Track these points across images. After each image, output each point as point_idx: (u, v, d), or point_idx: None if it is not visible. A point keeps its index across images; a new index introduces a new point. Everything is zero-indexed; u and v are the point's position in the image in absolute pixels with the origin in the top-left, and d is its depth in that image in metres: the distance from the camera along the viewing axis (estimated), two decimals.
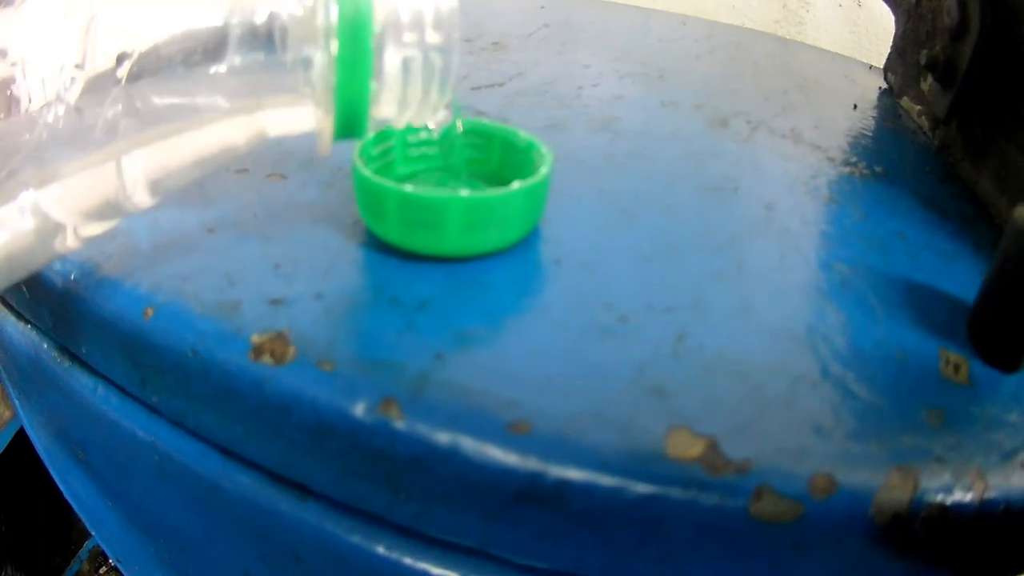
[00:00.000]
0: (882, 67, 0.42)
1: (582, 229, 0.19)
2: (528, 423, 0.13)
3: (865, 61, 0.51)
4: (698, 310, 0.16)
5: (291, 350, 0.14)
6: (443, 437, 0.13)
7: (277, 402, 0.14)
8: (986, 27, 0.27)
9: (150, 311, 0.16)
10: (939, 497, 0.14)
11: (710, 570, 0.13)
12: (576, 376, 0.14)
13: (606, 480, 0.12)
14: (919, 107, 0.35)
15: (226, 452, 0.17)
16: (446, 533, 0.14)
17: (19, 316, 0.21)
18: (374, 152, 0.20)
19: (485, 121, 0.21)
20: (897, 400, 0.15)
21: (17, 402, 0.25)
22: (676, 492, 0.12)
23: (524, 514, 0.13)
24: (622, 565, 0.14)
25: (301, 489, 0.16)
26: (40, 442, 0.24)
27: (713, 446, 0.13)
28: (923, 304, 0.18)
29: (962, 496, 0.14)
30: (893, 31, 0.42)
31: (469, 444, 0.13)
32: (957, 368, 0.17)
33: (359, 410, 0.13)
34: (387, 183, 0.17)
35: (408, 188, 0.17)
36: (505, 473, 0.13)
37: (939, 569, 0.15)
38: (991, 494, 0.14)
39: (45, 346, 0.20)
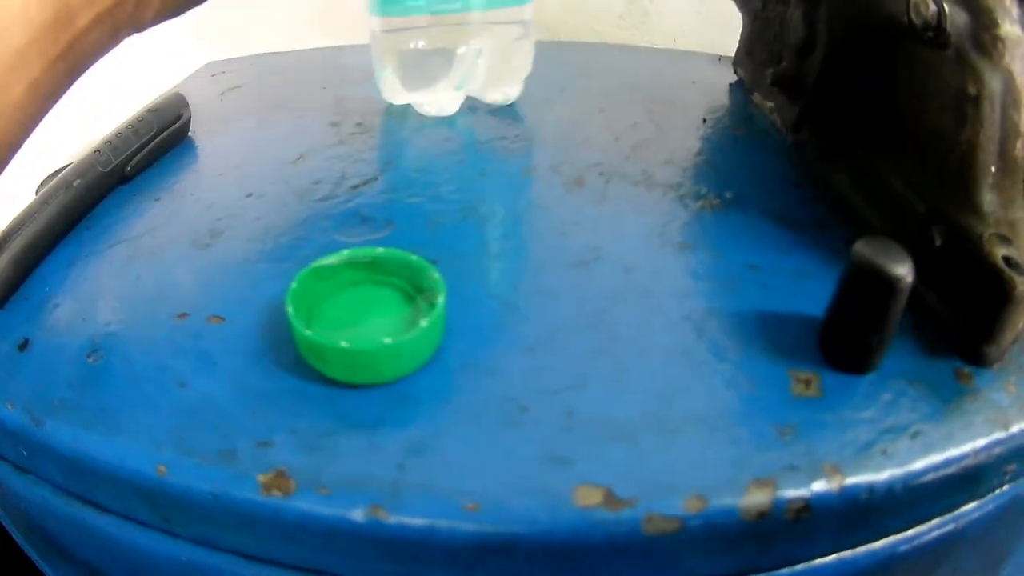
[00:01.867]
0: (731, 60, 0.55)
1: (478, 329, 0.29)
2: (477, 504, 0.23)
3: (714, 42, 0.65)
4: (581, 386, 0.26)
5: (292, 484, 0.25)
6: (419, 522, 0.24)
7: (292, 521, 0.25)
8: (832, 44, 0.39)
9: (163, 468, 0.26)
10: (798, 493, 0.24)
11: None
12: (500, 461, 0.24)
13: (539, 531, 0.23)
14: (770, 104, 0.48)
15: (248, 556, 0.27)
16: None
17: (23, 471, 0.31)
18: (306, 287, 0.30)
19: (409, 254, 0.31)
20: (752, 427, 0.25)
21: (34, 551, 0.36)
22: (591, 529, 0.23)
23: (487, 563, 0.24)
24: None
25: (318, 572, 0.26)
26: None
27: (609, 492, 0.23)
28: (773, 332, 0.29)
29: (821, 488, 0.24)
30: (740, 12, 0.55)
31: (442, 524, 0.23)
32: (808, 383, 0.28)
33: (357, 516, 0.24)
34: (324, 338, 0.27)
35: (343, 344, 0.27)
36: (468, 538, 0.23)
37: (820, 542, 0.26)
38: (850, 482, 0.25)
39: (55, 496, 0.30)
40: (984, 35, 0.29)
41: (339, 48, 0.63)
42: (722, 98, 0.51)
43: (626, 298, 0.31)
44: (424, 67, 0.46)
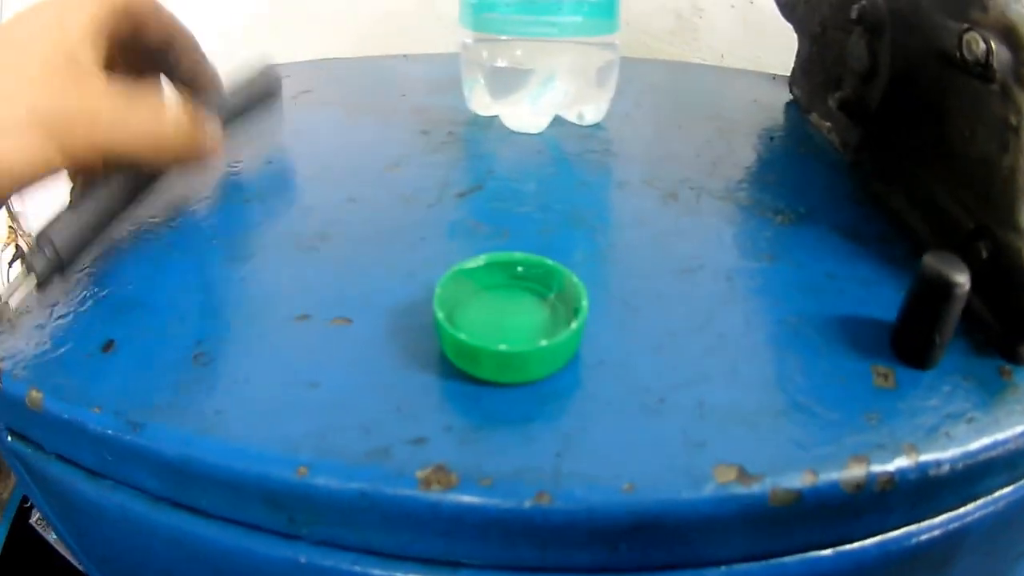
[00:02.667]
0: (787, 80, 0.59)
1: (605, 329, 0.33)
2: (633, 484, 0.26)
3: (759, 57, 0.68)
4: (705, 380, 0.30)
5: (453, 477, 0.26)
6: (582, 506, 0.26)
7: (451, 514, 0.26)
8: (895, 72, 0.43)
9: (303, 470, 0.26)
10: (886, 468, 0.28)
11: (750, 546, 0.28)
12: (647, 446, 0.28)
13: (687, 506, 0.26)
14: (828, 124, 0.52)
15: (381, 554, 0.28)
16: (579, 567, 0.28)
17: (100, 476, 0.31)
18: (448, 292, 0.32)
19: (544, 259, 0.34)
20: (846, 412, 0.29)
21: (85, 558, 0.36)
22: (728, 502, 0.26)
23: (636, 538, 0.27)
24: (699, 552, 0.28)
25: (456, 564, 0.28)
26: None
27: (741, 469, 0.27)
28: (855, 332, 0.33)
29: (902, 464, 0.28)
30: (786, 23, 0.58)
31: (602, 505, 0.26)
32: (886, 377, 0.32)
33: (524, 504, 0.26)
34: (479, 341, 0.29)
35: (501, 347, 0.29)
36: (626, 516, 0.26)
37: (895, 514, 0.30)
38: (924, 458, 0.29)
39: (142, 502, 0.30)
40: (1022, 69, 0.32)
41: (404, 57, 0.66)
42: (780, 116, 0.55)
43: (729, 303, 0.35)
44: (513, 81, 0.49)
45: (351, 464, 0.27)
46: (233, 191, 0.45)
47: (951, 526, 0.31)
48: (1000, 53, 0.33)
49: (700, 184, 0.44)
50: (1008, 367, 0.33)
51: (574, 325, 0.30)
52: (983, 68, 0.34)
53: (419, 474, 0.27)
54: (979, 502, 0.31)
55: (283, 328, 0.33)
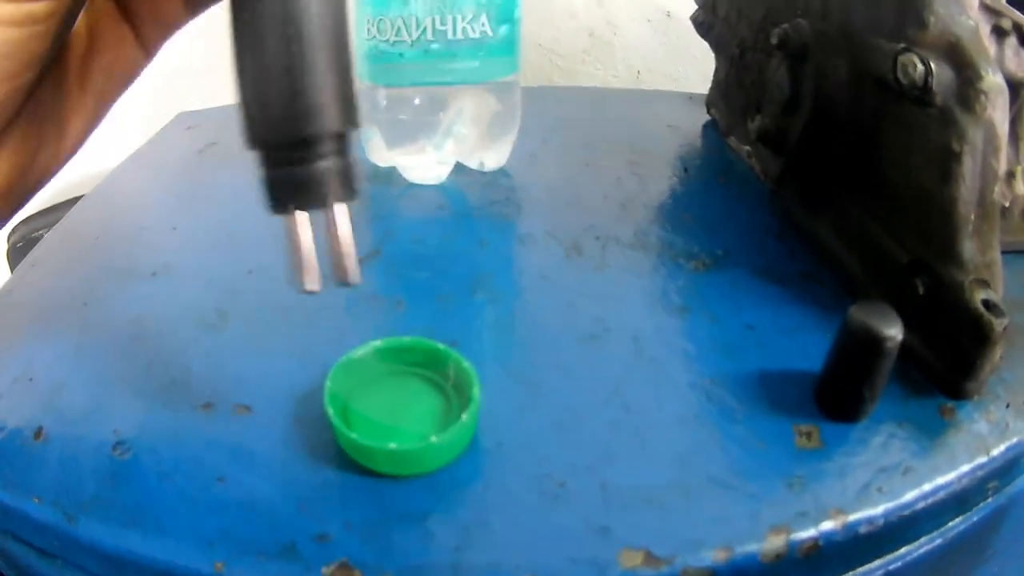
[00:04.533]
0: (704, 99, 0.62)
1: (505, 409, 0.34)
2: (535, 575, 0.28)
3: (677, 73, 0.71)
4: (608, 460, 0.32)
5: (356, 573, 0.29)
6: None
7: None
8: (819, 99, 0.45)
9: (220, 566, 0.29)
10: (808, 535, 0.30)
11: None
12: (549, 535, 0.29)
13: None
14: (748, 148, 0.55)
15: None
16: None
17: (50, 556, 0.33)
18: (339, 385, 0.34)
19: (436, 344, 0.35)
20: (765, 482, 0.31)
21: None
22: None
23: None
24: None
25: None
26: None
27: (648, 553, 0.28)
28: (775, 390, 0.35)
29: (827, 527, 0.31)
30: (690, 19, 0.61)
31: None
32: (809, 435, 0.34)
33: None
34: (370, 440, 0.31)
35: (392, 446, 0.31)
36: None
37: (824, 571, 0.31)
38: (853, 518, 0.31)
39: None
40: (968, 89, 0.34)
41: None
42: (698, 141, 0.58)
43: (636, 369, 0.37)
44: (411, 131, 0.52)
45: (263, 560, 0.30)
46: (141, 263, 0.47)
47: (892, 567, 0.33)
48: (941, 74, 0.35)
49: (607, 232, 0.47)
50: (950, 405, 0.35)
51: (465, 417, 0.32)
52: (921, 92, 0.35)
53: (325, 571, 0.29)
54: (924, 538, 0.33)
55: (190, 418, 0.36)
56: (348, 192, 0.27)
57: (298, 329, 0.41)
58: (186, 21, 0.34)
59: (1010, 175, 0.45)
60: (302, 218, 0.27)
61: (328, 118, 0.25)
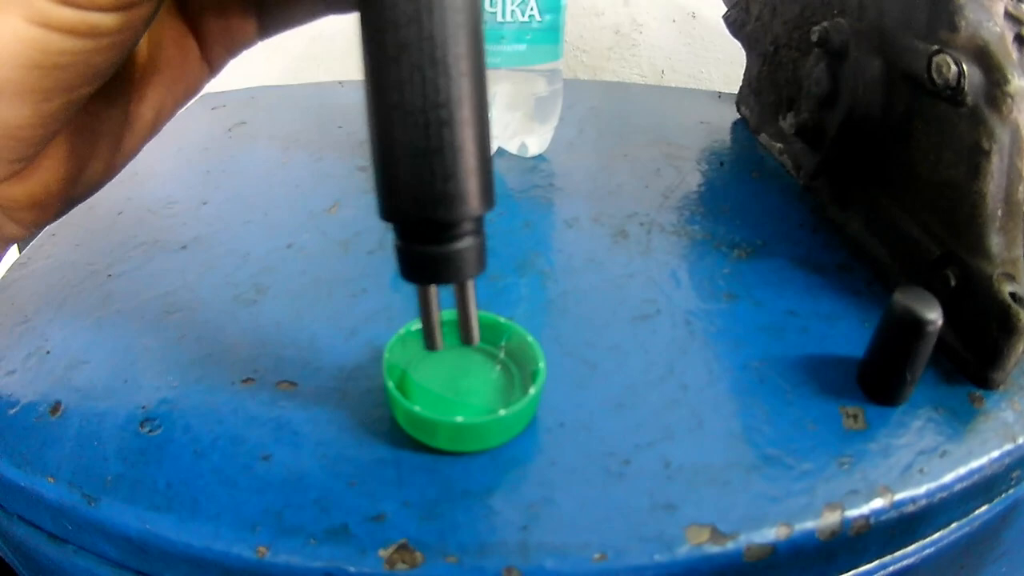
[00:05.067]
0: (734, 98, 0.61)
1: (563, 388, 0.34)
2: (604, 553, 0.27)
3: (700, 72, 0.70)
4: (669, 438, 0.32)
5: (418, 556, 0.27)
6: None
7: None
8: (856, 96, 0.45)
9: (263, 550, 0.28)
10: (860, 512, 0.30)
11: None
12: (615, 512, 0.29)
13: (660, 571, 0.27)
14: (779, 145, 0.54)
15: None
16: None
17: (62, 541, 0.31)
18: (396, 357, 0.33)
19: (496, 316, 0.35)
20: (818, 460, 0.31)
21: None
22: (703, 563, 0.28)
23: None
24: None
25: None
26: None
27: (714, 529, 0.28)
28: (820, 372, 0.35)
29: (877, 506, 0.30)
30: (729, 38, 0.61)
31: (569, 573, 0.27)
32: (855, 417, 0.33)
33: None
34: (434, 414, 0.30)
35: (458, 419, 0.30)
36: None
37: (870, 551, 0.31)
38: (899, 497, 0.31)
39: (106, 569, 0.31)
40: (996, 91, 0.34)
41: (340, 84, 0.67)
42: (728, 138, 0.57)
43: (689, 350, 0.36)
44: None
45: (311, 543, 0.28)
46: (170, 236, 0.45)
47: (926, 551, 0.32)
48: (972, 75, 0.35)
49: (651, 219, 0.46)
50: (978, 393, 0.35)
51: (532, 391, 0.31)
52: (953, 91, 0.35)
53: (382, 553, 0.27)
54: (953, 526, 0.33)
55: (229, 393, 0.34)
56: (480, 268, 0.26)
57: (343, 305, 0.40)
58: (256, 42, 0.32)
59: None
60: (434, 289, 0.27)
61: (471, 203, 0.24)
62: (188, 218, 0.47)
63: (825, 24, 0.46)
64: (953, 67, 0.35)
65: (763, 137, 0.57)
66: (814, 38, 0.46)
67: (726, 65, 0.63)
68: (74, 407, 0.33)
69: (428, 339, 0.28)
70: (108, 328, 0.38)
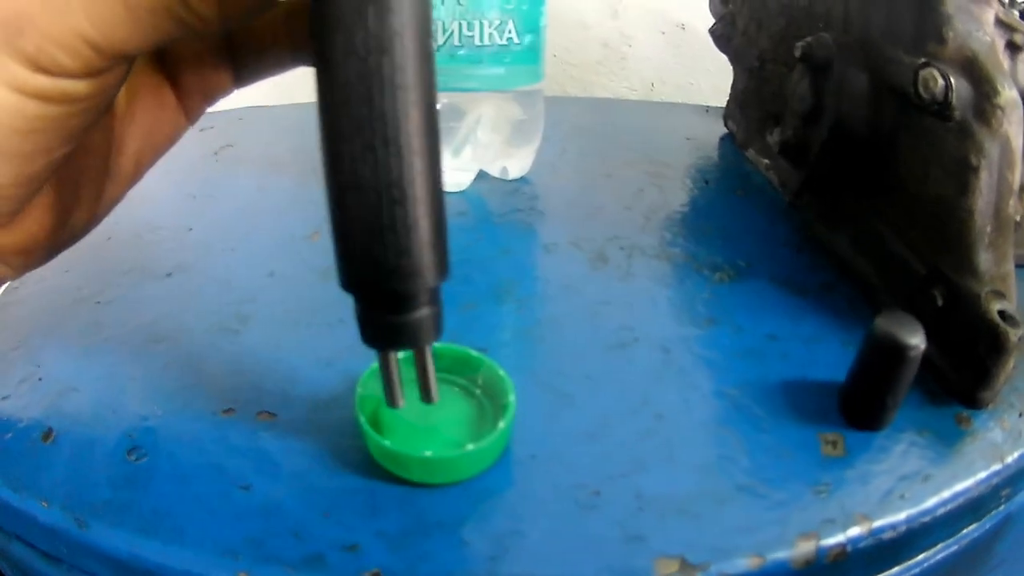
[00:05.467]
0: (721, 112, 0.62)
1: (536, 418, 0.35)
2: None
3: (690, 85, 0.72)
4: (641, 469, 0.32)
5: None
6: None
7: None
8: (840, 112, 0.45)
9: (243, 575, 0.29)
10: (836, 541, 0.31)
11: None
12: (584, 544, 0.29)
13: None
14: (765, 161, 0.55)
15: None
16: None
17: (57, 560, 0.33)
18: (369, 390, 0.34)
19: (467, 350, 0.35)
20: (793, 489, 0.32)
21: None
22: None
23: None
24: None
25: None
26: None
27: (683, 561, 0.29)
28: (800, 398, 0.36)
29: (854, 534, 0.31)
30: (717, 48, 0.62)
31: None
32: (834, 444, 0.34)
33: None
34: (404, 448, 0.31)
35: (427, 453, 0.31)
36: None
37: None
38: (878, 524, 0.31)
39: None
40: (985, 104, 0.34)
41: None
42: (715, 154, 0.58)
43: (664, 378, 0.37)
44: None
45: (287, 571, 0.29)
46: (156, 263, 0.47)
47: (911, 572, 0.33)
48: (960, 89, 0.35)
49: (631, 242, 0.47)
50: (966, 414, 0.36)
51: (501, 424, 0.32)
52: (940, 106, 0.36)
53: None
54: (939, 546, 0.34)
55: (211, 423, 0.35)
56: (437, 335, 0.28)
57: (320, 336, 0.41)
58: (232, 91, 0.34)
59: (1022, 189, 0.45)
60: (394, 354, 0.29)
61: (425, 276, 0.25)
62: (173, 244, 0.49)
63: (809, 39, 0.46)
64: (940, 81, 0.36)
65: (750, 152, 0.58)
66: (797, 53, 0.47)
67: (715, 76, 0.65)
68: (65, 433, 0.35)
69: (389, 398, 0.30)
70: (97, 355, 0.39)
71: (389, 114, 0.23)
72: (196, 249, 0.49)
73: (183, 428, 0.35)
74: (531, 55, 0.52)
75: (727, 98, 0.64)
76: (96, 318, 0.42)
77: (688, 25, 0.82)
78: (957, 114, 0.36)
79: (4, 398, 0.37)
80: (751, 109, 0.59)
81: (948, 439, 0.35)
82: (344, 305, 0.41)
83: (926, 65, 0.37)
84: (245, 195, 0.55)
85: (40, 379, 0.38)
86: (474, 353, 0.36)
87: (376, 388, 0.34)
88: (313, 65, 0.24)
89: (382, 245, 0.24)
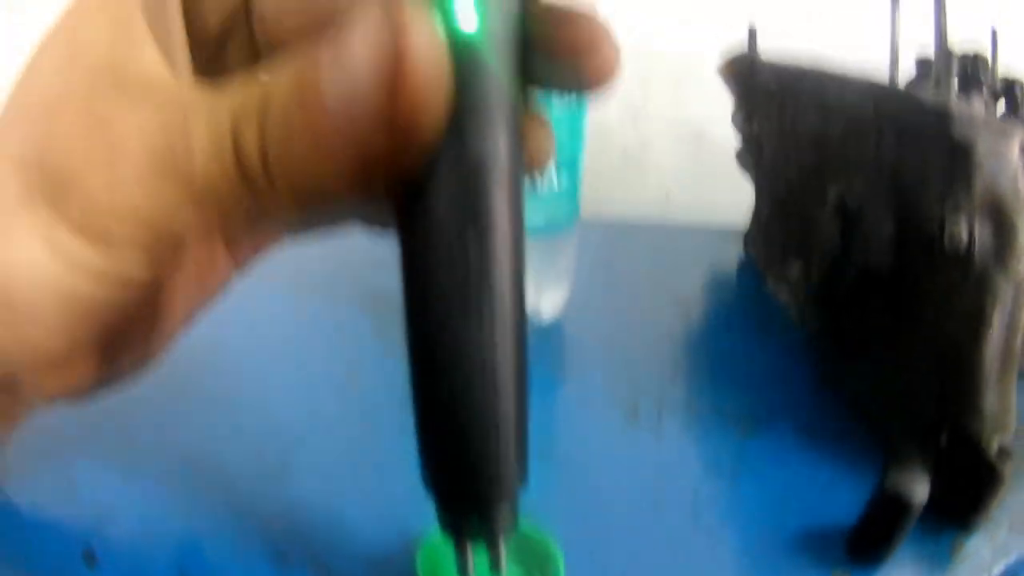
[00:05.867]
0: (741, 236, 0.70)
1: None
2: None
3: (705, 195, 0.79)
4: None
5: None
6: None
7: None
8: (866, 256, 0.49)
9: None
10: None
11: None
12: None
13: None
14: (785, 290, 0.63)
15: None
16: None
17: None
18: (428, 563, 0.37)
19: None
20: None
21: None
22: None
23: None
24: None
25: None
26: None
27: None
28: (814, 545, 0.41)
29: None
30: (734, 154, 0.68)
31: None
32: None
33: None
34: None
35: None
36: None
37: None
38: None
39: None
40: (1005, 250, 0.38)
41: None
42: (734, 282, 0.65)
43: (694, 536, 0.43)
44: None
45: None
46: (193, 387, 0.50)
47: None
48: (983, 236, 0.39)
49: (662, 394, 0.53)
50: (960, 538, 0.41)
51: None
52: (964, 256, 0.39)
53: None
54: None
55: (265, 567, 0.38)
56: (513, 527, 0.30)
57: (370, 482, 0.44)
58: (282, 242, 0.35)
59: None
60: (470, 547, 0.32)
61: (510, 484, 0.28)
62: (209, 369, 0.52)
63: (841, 185, 0.51)
64: (965, 235, 0.39)
65: (770, 280, 0.64)
66: (832, 201, 0.51)
67: (731, 183, 0.72)
68: (108, 556, 0.37)
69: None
70: (135, 477, 0.42)
71: (488, 360, 0.26)
72: (234, 377, 0.53)
73: (233, 570, 0.37)
74: (570, 197, 0.57)
75: (741, 207, 0.70)
76: (130, 436, 0.45)
77: (706, 133, 0.89)
78: (978, 264, 0.39)
79: (39, 510, 0.39)
80: (773, 238, 0.64)
81: (944, 564, 0.40)
82: (390, 453, 0.44)
83: (952, 214, 0.40)
84: (277, 323, 0.59)
85: (77, 496, 0.40)
86: (539, 535, 0.39)
87: (437, 557, 0.38)
88: (405, 298, 0.26)
89: (474, 471, 0.28)
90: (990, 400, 0.40)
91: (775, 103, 0.64)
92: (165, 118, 0.22)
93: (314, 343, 0.58)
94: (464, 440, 0.27)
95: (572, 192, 0.58)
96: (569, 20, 0.24)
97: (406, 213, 0.24)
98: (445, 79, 0.21)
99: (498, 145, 0.23)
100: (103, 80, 0.23)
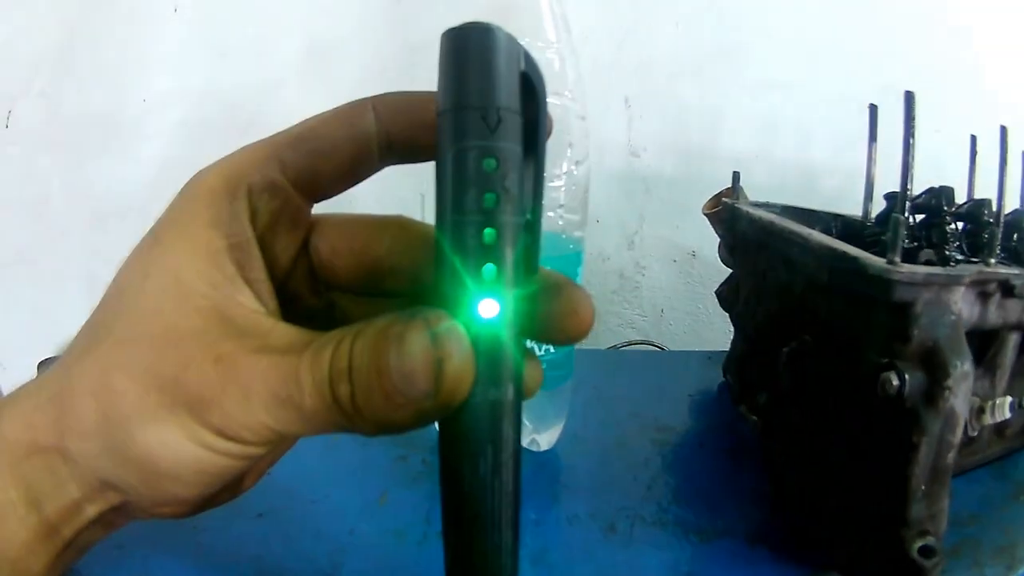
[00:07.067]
0: (721, 363, 0.92)
1: None
2: None
3: (697, 310, 0.97)
4: None
5: None
6: None
7: None
8: (818, 398, 0.59)
9: None
10: None
11: None
12: None
13: None
14: (754, 418, 0.84)
15: None
16: None
17: None
18: None
19: None
20: None
21: None
22: None
23: None
24: None
25: None
26: None
27: None
28: None
29: None
30: (728, 271, 0.82)
31: None
32: None
33: None
34: None
35: None
36: None
37: None
38: None
39: None
40: (935, 388, 0.47)
41: None
42: (713, 407, 0.83)
43: None
44: None
45: None
46: (244, 502, 0.56)
47: None
48: (913, 382, 0.48)
49: (635, 512, 0.68)
50: None
51: None
52: (896, 400, 0.49)
53: None
54: None
55: None
56: None
57: None
58: None
59: (980, 410, 0.66)
60: None
61: None
62: (260, 484, 0.60)
63: (794, 344, 0.63)
64: (895, 383, 0.48)
65: (743, 408, 0.80)
66: (784, 356, 0.63)
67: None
68: None
69: None
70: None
71: (496, 512, 0.37)
72: (281, 495, 0.65)
73: None
74: (566, 360, 0.75)
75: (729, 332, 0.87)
76: (197, 541, 0.55)
77: (699, 252, 1.05)
78: (908, 404, 0.49)
79: None
80: (746, 370, 0.79)
81: None
82: (419, 564, 0.61)
83: (887, 366, 0.50)
84: (314, 448, 0.69)
85: None
86: None
87: None
88: (441, 479, 0.36)
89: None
90: (916, 511, 0.53)
91: (752, 247, 0.78)
92: (281, 372, 0.33)
93: (348, 472, 0.76)
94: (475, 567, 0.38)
95: (568, 353, 0.75)
96: (558, 291, 0.38)
97: (444, 434, 0.36)
98: (471, 370, 0.33)
99: (508, 391, 0.35)
100: (214, 323, 0.35)
